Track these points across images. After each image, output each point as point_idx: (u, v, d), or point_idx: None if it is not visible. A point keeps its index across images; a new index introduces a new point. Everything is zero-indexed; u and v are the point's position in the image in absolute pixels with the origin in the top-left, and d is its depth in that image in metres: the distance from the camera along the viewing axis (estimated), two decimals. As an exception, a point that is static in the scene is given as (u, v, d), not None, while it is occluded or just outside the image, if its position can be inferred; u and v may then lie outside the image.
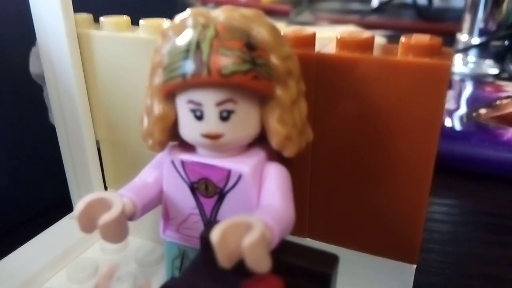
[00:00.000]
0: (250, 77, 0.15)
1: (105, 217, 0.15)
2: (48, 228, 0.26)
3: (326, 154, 0.19)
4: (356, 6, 0.92)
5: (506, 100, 0.41)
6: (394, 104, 0.17)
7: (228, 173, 0.16)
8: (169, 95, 0.16)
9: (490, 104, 0.41)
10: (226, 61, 0.14)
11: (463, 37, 0.56)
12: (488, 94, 0.43)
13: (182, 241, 0.18)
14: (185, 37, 0.15)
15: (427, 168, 0.18)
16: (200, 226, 0.17)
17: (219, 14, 0.16)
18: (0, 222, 0.28)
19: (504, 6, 0.52)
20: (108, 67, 0.23)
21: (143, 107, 0.17)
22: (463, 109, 0.40)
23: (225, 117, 0.15)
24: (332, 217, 0.20)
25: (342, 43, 0.18)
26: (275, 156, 0.17)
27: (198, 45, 0.15)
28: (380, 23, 0.78)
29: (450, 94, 0.44)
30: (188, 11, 0.16)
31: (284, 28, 0.18)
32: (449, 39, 0.54)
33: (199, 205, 0.17)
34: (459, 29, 0.56)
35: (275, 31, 0.16)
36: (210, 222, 0.17)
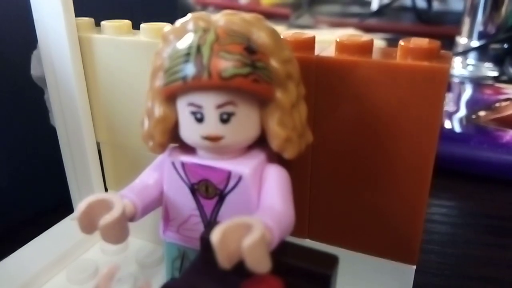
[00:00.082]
0: (250, 80, 0.15)
1: (106, 218, 0.15)
2: (48, 229, 0.26)
3: (326, 156, 0.19)
4: (355, 9, 0.92)
5: (505, 102, 0.42)
6: (393, 106, 0.17)
7: (228, 174, 0.16)
8: (170, 98, 0.16)
9: (489, 106, 0.41)
10: (226, 64, 0.15)
11: (462, 40, 0.56)
12: (488, 96, 0.44)
13: (182, 242, 0.18)
14: (186, 41, 0.15)
15: (427, 170, 0.18)
16: (200, 227, 0.18)
17: (220, 18, 0.16)
18: (0, 222, 0.28)
19: (503, 9, 0.52)
20: (109, 70, 0.23)
21: (144, 109, 0.17)
22: (462, 112, 0.40)
23: (225, 119, 0.15)
24: (332, 218, 0.21)
25: (341, 46, 0.18)
26: (275, 158, 0.17)
27: (198, 49, 0.15)
28: (380, 26, 0.79)
29: (450, 97, 0.44)
30: (189, 15, 0.16)
31: (284, 31, 0.18)
32: (449, 42, 0.54)
33: (200, 207, 0.17)
34: (459, 32, 0.56)
35: (275, 35, 0.16)
36: (210, 223, 0.17)
